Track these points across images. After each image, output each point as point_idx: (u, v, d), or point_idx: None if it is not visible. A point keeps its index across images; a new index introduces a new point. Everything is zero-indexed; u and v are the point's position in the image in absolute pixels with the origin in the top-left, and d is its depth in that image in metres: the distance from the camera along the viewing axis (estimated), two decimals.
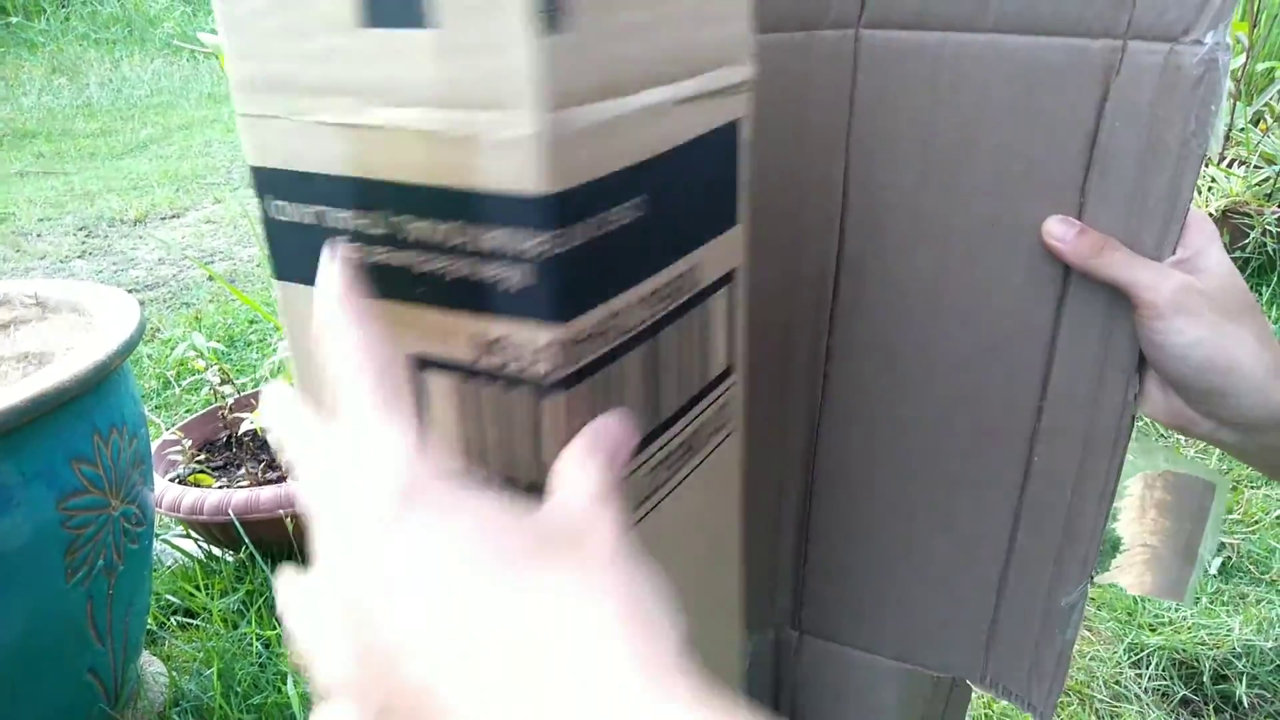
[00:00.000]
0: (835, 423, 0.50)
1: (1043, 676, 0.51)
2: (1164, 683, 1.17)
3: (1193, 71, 0.36)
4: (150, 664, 1.20)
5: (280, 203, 0.28)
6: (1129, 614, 1.26)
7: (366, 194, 0.26)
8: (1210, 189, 2.05)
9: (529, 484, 0.27)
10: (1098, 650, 1.22)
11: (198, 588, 1.32)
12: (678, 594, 0.32)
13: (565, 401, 0.25)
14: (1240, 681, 1.15)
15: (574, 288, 0.25)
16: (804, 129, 0.44)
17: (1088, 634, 1.26)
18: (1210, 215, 1.98)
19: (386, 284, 0.27)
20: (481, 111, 0.23)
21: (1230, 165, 2.13)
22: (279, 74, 0.26)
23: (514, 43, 0.22)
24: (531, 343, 0.25)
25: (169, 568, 1.38)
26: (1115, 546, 0.54)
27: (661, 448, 0.31)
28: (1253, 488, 1.49)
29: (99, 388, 0.93)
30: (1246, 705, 1.14)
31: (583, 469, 0.25)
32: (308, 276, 0.27)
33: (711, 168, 0.30)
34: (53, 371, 0.88)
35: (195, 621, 1.30)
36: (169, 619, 1.30)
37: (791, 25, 0.43)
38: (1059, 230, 0.41)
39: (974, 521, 0.49)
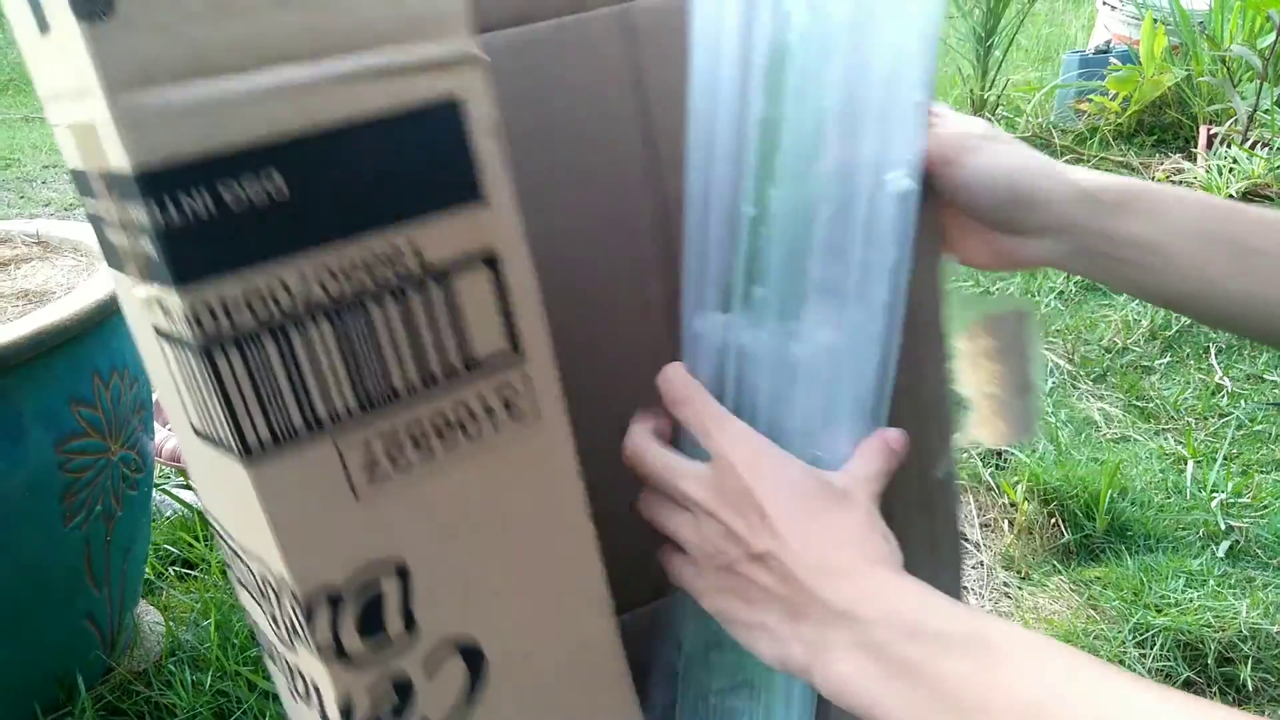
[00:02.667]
0: None
1: (941, 559, 0.55)
2: (1168, 664, 1.16)
3: None
4: (147, 613, 1.19)
5: (84, 199, 0.32)
6: (1135, 594, 1.25)
7: (79, 183, 0.31)
8: (1232, 170, 2.02)
9: (200, 433, 0.32)
10: (1102, 630, 1.21)
11: (196, 538, 1.31)
12: (474, 570, 0.36)
13: (234, 363, 0.29)
14: (1245, 665, 1.14)
15: (195, 256, 0.27)
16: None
17: (1092, 613, 1.25)
18: (1231, 196, 1.95)
19: (111, 259, 0.32)
20: (85, 100, 0.26)
21: (1254, 146, 2.10)
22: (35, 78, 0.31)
23: (71, 34, 0.25)
24: (178, 308, 0.28)
25: (168, 518, 1.37)
26: (962, 405, 0.56)
27: (394, 419, 0.32)
28: (1263, 472, 1.47)
29: (100, 328, 0.91)
30: (1251, 688, 1.13)
31: (867, 459, 0.43)
32: (113, 263, 0.32)
33: (419, 145, 0.30)
34: (54, 309, 0.86)
35: (193, 572, 1.29)
36: (167, 569, 1.29)
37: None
38: None
39: None
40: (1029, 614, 1.26)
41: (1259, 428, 1.57)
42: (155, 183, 0.26)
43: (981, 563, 1.36)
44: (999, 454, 1.54)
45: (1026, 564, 1.35)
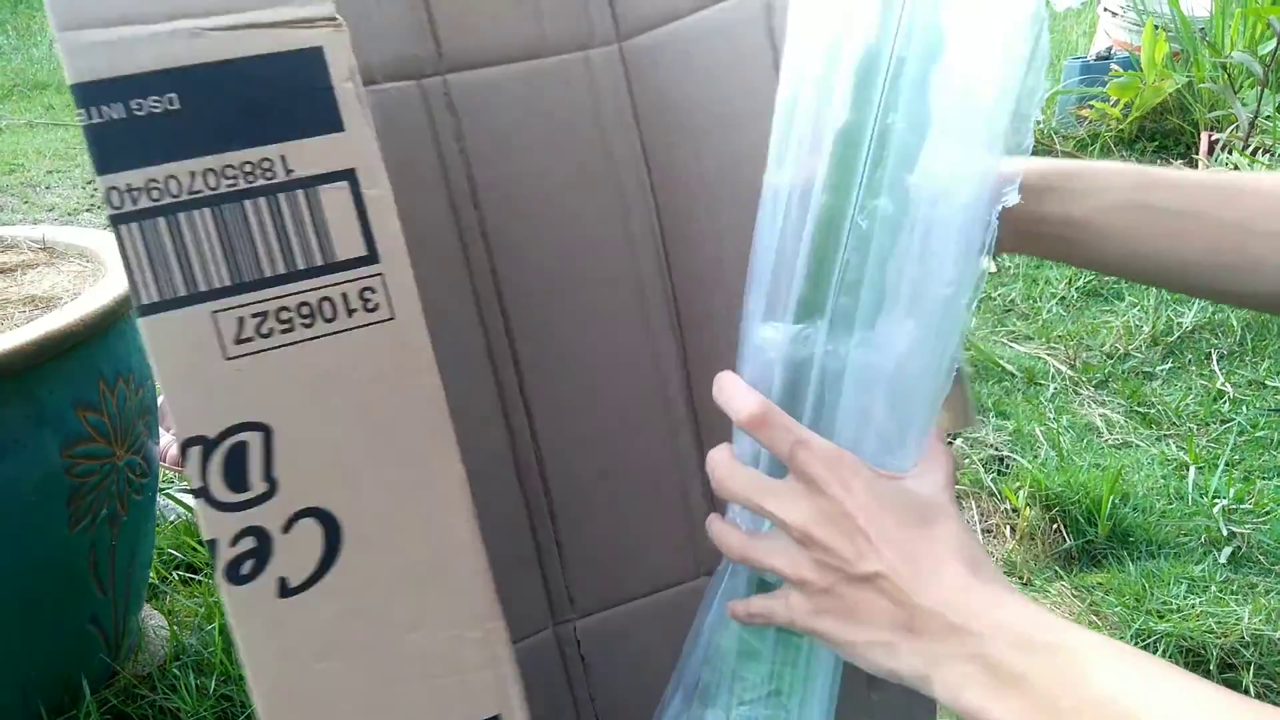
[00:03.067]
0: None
1: None
2: None
3: None
4: (151, 617, 1.19)
5: None
6: (1137, 600, 1.25)
7: None
8: None
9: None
10: (1104, 635, 1.22)
11: (200, 543, 1.32)
12: (332, 445, 0.41)
13: (133, 232, 0.38)
14: (1247, 671, 1.14)
15: (113, 151, 0.37)
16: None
17: (1095, 619, 1.25)
18: None
19: None
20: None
21: (1255, 153, 2.10)
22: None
23: None
24: (103, 191, 0.38)
25: (171, 522, 1.37)
26: None
27: (262, 297, 0.39)
28: (1265, 478, 1.48)
29: (106, 334, 0.92)
30: (1253, 694, 1.13)
31: (938, 464, 0.44)
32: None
33: (288, 82, 0.39)
34: (60, 314, 0.87)
35: (197, 577, 1.29)
36: (171, 573, 1.30)
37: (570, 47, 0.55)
38: None
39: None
40: None
41: (1261, 433, 1.57)
42: (84, 94, 0.37)
43: None
44: (1001, 459, 1.54)
45: (1028, 570, 1.35)
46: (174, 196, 0.38)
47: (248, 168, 0.39)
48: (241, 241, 0.39)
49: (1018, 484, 1.45)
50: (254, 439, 0.40)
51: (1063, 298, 1.99)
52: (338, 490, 0.41)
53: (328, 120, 0.40)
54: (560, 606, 0.60)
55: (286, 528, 0.41)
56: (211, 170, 0.38)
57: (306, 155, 0.39)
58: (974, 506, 1.47)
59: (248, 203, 0.39)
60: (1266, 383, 1.69)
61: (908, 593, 0.40)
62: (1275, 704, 1.13)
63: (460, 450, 0.51)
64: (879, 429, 0.43)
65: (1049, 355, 1.82)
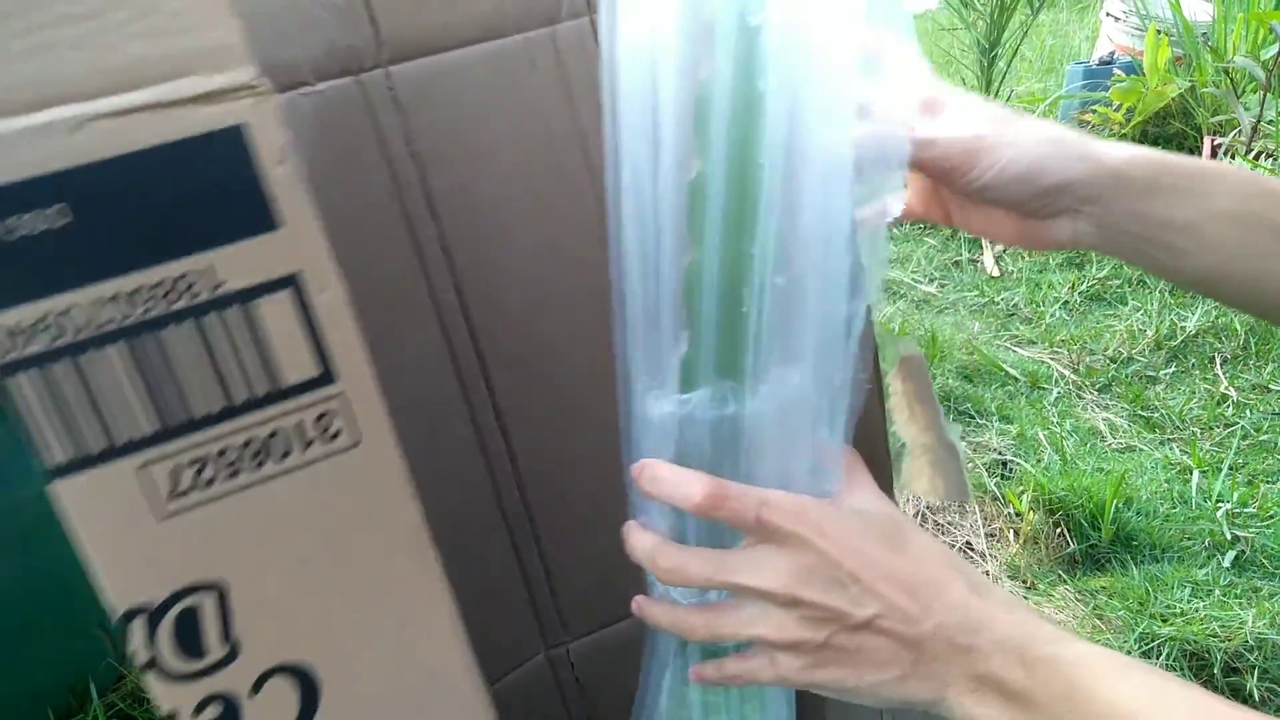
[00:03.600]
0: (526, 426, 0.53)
1: None
2: (1174, 673, 1.16)
3: None
4: None
5: None
6: (1140, 604, 1.25)
7: None
8: None
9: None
10: (1108, 639, 1.22)
11: None
12: (300, 594, 0.36)
13: (27, 384, 0.30)
14: (1251, 675, 1.14)
15: None
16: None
17: (1098, 623, 1.25)
18: None
19: None
20: None
21: (1258, 157, 2.10)
22: None
23: None
24: None
25: None
26: (901, 450, 0.54)
27: (198, 441, 0.33)
28: (1268, 482, 1.48)
29: None
30: (1257, 698, 1.13)
31: (859, 476, 0.43)
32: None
33: (205, 174, 0.31)
34: None
35: None
36: None
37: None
38: None
39: None
40: None
41: (1265, 437, 1.57)
42: None
43: (987, 573, 1.37)
44: (1004, 463, 1.54)
45: (1032, 574, 1.35)
46: (76, 334, 0.31)
47: (164, 288, 0.32)
48: (166, 379, 0.32)
49: (1021, 488, 1.45)
50: (207, 600, 0.35)
51: (1066, 302, 1.99)
52: (309, 643, 0.37)
53: (260, 217, 0.32)
54: (552, 630, 0.57)
55: (255, 689, 0.36)
56: (119, 296, 0.31)
57: (237, 263, 0.32)
58: (978, 511, 1.47)
59: (169, 331, 0.32)
60: (1270, 387, 1.69)
61: (909, 626, 0.39)
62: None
63: (440, 482, 0.48)
64: (805, 462, 0.42)
65: (1052, 359, 1.82)
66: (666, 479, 0.41)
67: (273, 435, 0.34)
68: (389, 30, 0.44)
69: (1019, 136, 0.44)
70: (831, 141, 0.37)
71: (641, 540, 0.43)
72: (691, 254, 0.38)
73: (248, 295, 0.33)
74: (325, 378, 0.35)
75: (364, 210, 0.45)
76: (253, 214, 0.32)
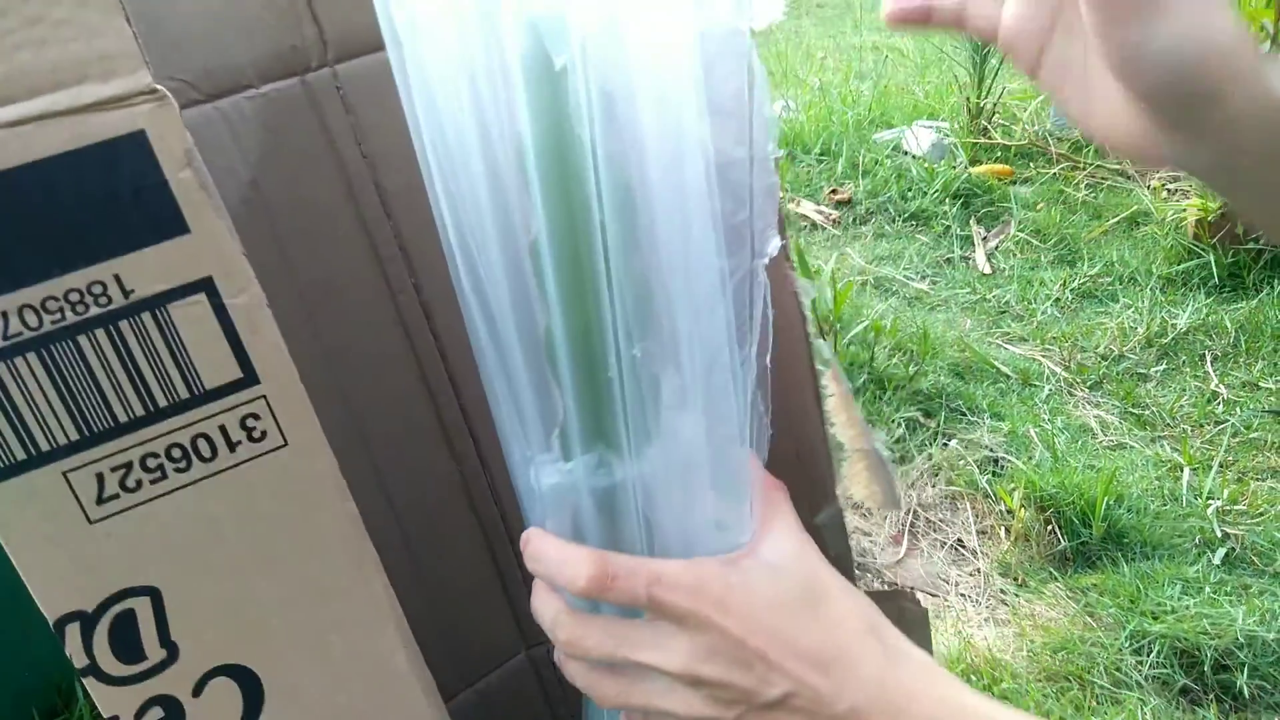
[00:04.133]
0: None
1: None
2: (1164, 671, 1.17)
3: None
4: None
5: None
6: (1131, 601, 1.26)
7: None
8: None
9: None
10: (1099, 636, 1.22)
11: None
12: (235, 596, 0.36)
13: None
14: (1241, 672, 1.14)
15: None
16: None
17: (1089, 620, 1.25)
18: (1226, 205, 1.96)
19: None
20: None
21: None
22: None
23: None
24: None
25: None
26: (840, 452, 0.53)
27: (121, 447, 0.33)
28: (1258, 480, 1.48)
29: None
30: (1247, 696, 1.13)
31: (777, 512, 0.41)
32: None
33: (107, 183, 0.31)
34: None
35: None
36: None
37: None
38: None
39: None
40: (1025, 621, 1.26)
41: (1255, 435, 1.57)
42: None
43: (978, 570, 1.37)
44: (995, 461, 1.54)
45: (1023, 571, 1.35)
46: None
47: (75, 296, 0.32)
48: (84, 386, 0.33)
49: (1012, 485, 1.45)
50: (141, 604, 0.35)
51: (1057, 299, 1.99)
52: (249, 643, 0.37)
53: (167, 222, 0.32)
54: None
55: (197, 691, 0.36)
56: (29, 306, 0.31)
57: (147, 270, 0.32)
58: (969, 508, 1.47)
59: (83, 338, 0.32)
60: (1260, 384, 1.70)
61: (823, 706, 0.37)
62: (1271, 706, 1.13)
63: (410, 485, 0.47)
64: (708, 519, 0.40)
65: (1044, 357, 1.82)
66: (550, 558, 0.39)
67: (197, 439, 0.35)
68: (332, 30, 0.43)
69: (1193, 10, 0.32)
70: (683, 185, 0.35)
71: (544, 605, 0.41)
72: (543, 321, 0.37)
73: (160, 300, 0.33)
74: (247, 379, 0.35)
75: (317, 212, 0.45)
76: (159, 220, 0.32)
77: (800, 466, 0.47)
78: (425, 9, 0.35)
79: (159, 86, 0.32)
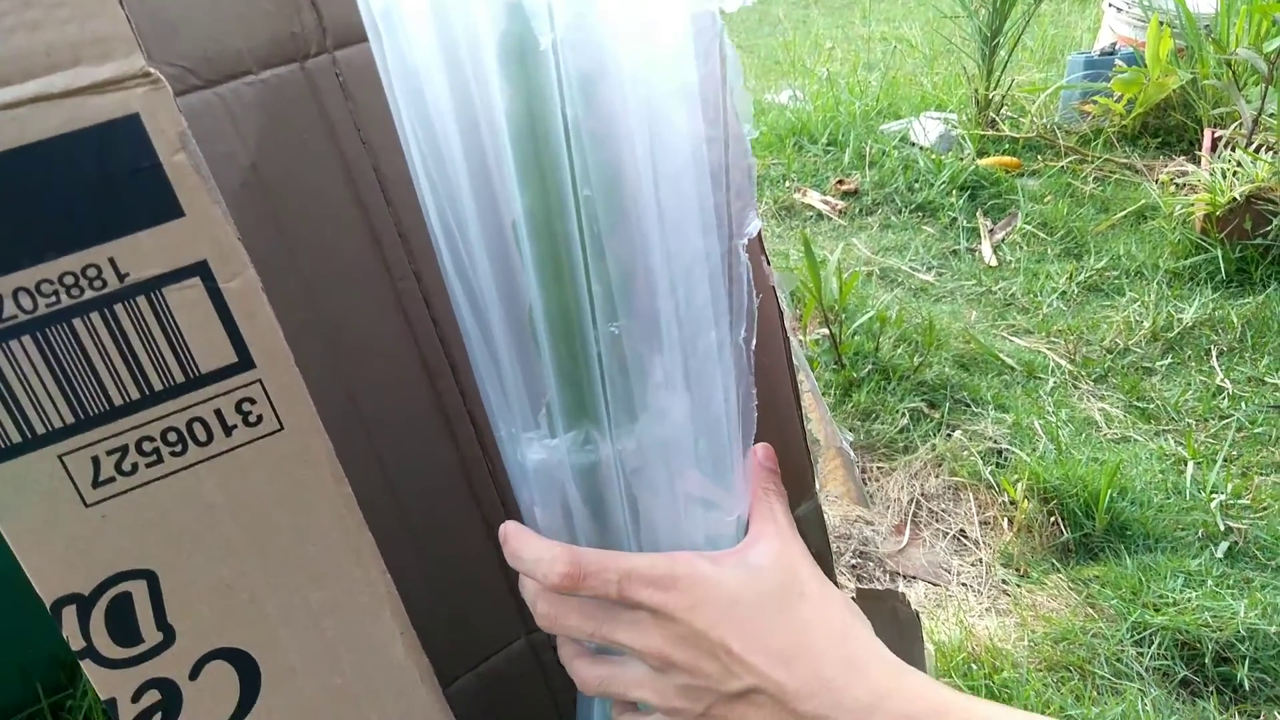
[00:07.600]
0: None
1: None
2: (1166, 663, 1.17)
3: None
4: None
5: None
6: (1133, 593, 1.26)
7: None
8: (1236, 174, 2.02)
9: None
10: (1100, 628, 1.22)
11: None
12: (232, 580, 0.36)
13: None
14: (1242, 664, 1.15)
15: None
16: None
17: (1091, 611, 1.25)
18: (1234, 200, 1.95)
19: None
20: None
21: (1258, 150, 2.10)
22: None
23: None
24: None
25: None
26: (817, 446, 0.52)
27: (117, 430, 0.33)
28: (1262, 474, 1.48)
29: None
30: (1247, 688, 1.13)
31: (767, 513, 0.41)
32: None
33: (101, 165, 0.31)
34: None
35: None
36: None
37: None
38: None
39: None
40: (1027, 611, 1.27)
41: (1259, 430, 1.57)
42: None
43: (981, 560, 1.37)
44: (999, 452, 1.54)
45: (1025, 562, 1.35)
46: None
47: (69, 279, 0.32)
48: (79, 369, 0.33)
49: (1016, 477, 1.46)
50: (137, 587, 0.35)
51: (1063, 292, 1.99)
52: (246, 626, 0.37)
53: (162, 205, 0.32)
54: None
55: (194, 674, 0.36)
56: (24, 289, 0.31)
57: (142, 253, 0.32)
58: (972, 498, 1.47)
59: (78, 321, 0.32)
60: (1266, 379, 1.69)
61: (789, 702, 0.37)
62: (1272, 699, 1.13)
63: (410, 470, 0.47)
64: (698, 497, 0.40)
65: (1049, 349, 1.82)
66: (525, 556, 0.40)
67: (192, 423, 0.34)
68: (331, 16, 0.43)
69: None
70: (669, 166, 0.35)
71: (528, 582, 0.42)
72: (526, 299, 0.37)
73: (155, 284, 0.33)
74: (243, 363, 0.35)
75: (317, 199, 0.44)
76: (153, 203, 0.32)
77: (779, 460, 0.47)
78: None
79: (153, 70, 0.31)
